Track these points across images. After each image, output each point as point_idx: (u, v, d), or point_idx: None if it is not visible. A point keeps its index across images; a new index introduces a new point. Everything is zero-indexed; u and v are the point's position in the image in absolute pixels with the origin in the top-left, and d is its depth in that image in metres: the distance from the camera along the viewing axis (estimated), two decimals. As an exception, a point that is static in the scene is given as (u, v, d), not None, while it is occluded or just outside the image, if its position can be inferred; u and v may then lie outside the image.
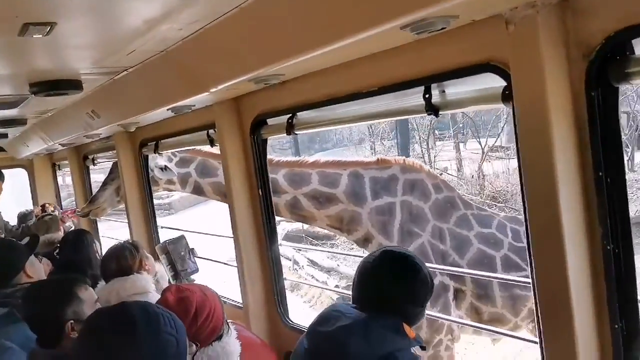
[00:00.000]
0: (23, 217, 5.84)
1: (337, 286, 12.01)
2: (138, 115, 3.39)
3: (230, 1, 1.83)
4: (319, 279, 12.78)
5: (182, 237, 2.90)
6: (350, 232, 5.24)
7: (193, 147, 4.87)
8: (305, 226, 14.58)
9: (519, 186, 1.72)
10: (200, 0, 1.81)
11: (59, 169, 6.88)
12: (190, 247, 2.89)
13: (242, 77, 2.32)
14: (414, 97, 2.15)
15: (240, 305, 3.44)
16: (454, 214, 5.45)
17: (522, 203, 1.75)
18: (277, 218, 4.60)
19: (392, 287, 1.88)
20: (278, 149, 25.84)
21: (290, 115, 2.83)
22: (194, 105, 3.13)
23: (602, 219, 1.56)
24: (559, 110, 1.53)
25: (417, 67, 2.04)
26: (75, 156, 5.85)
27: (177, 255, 2.84)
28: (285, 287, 3.46)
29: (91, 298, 2.23)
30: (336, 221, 5.19)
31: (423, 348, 1.89)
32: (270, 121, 3.08)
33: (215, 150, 4.92)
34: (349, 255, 12.36)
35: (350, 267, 14.01)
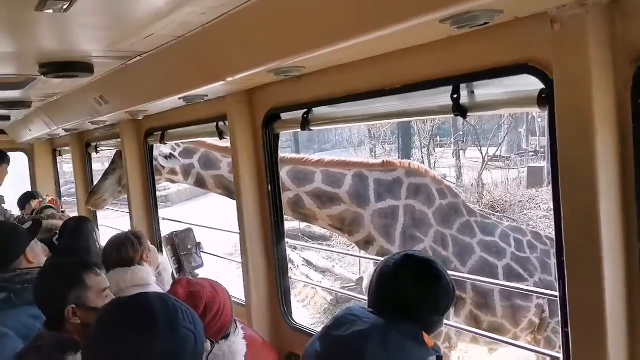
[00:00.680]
0: (20, 220, 5.75)
1: (344, 287, 11.92)
2: (148, 103, 3.30)
3: (258, -14, 1.75)
4: (313, 278, 12.71)
5: (189, 230, 2.82)
6: (352, 233, 5.18)
7: (201, 140, 4.79)
8: (302, 225, 14.50)
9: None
10: (227, -17, 1.73)
11: (60, 155, 6.78)
12: (197, 240, 2.80)
13: (262, 67, 2.24)
14: (440, 96, 2.08)
15: (242, 302, 3.35)
16: (457, 220, 5.41)
17: (554, 212, 1.67)
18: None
19: (413, 293, 1.81)
20: (277, 146, 25.73)
21: (306, 110, 2.75)
22: (206, 95, 3.05)
23: (641, 235, 1.48)
24: (603, 118, 1.46)
25: (445, 65, 1.97)
26: (77, 142, 5.76)
27: (183, 248, 2.76)
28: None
29: (98, 285, 2.15)
30: (337, 221, 5.13)
31: (439, 358, 1.82)
32: (283, 115, 3.01)
33: (224, 142, 4.87)
34: (347, 254, 12.28)
35: (345, 269, 13.96)
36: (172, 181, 5.37)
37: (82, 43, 2.50)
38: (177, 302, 1.53)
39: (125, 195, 5.19)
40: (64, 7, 1.77)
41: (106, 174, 5.25)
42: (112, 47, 2.54)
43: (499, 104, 1.92)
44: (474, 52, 1.85)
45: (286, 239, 3.37)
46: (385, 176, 5.16)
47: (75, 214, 5.67)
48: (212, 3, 1.91)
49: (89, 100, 3.63)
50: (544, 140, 21.27)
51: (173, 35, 2.33)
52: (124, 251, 3.01)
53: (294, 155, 6.09)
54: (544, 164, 20.19)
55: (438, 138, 24.34)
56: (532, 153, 24.08)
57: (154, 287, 2.96)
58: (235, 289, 3.46)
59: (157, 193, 4.83)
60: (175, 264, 2.77)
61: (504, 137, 23.20)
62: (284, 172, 4.91)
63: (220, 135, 3.50)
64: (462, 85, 1.97)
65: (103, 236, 4.34)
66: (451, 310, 5.16)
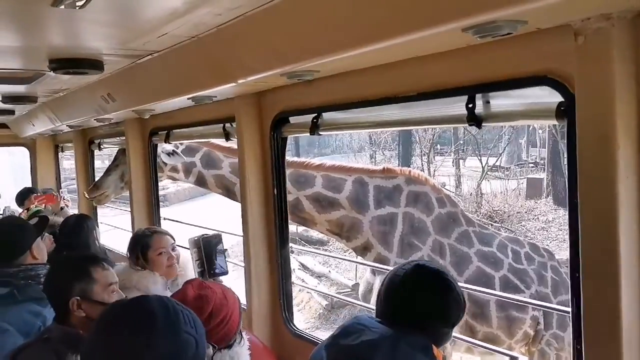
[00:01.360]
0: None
1: (339, 293, 11.89)
2: (156, 102, 3.28)
3: (278, -11, 1.74)
4: (309, 283, 12.68)
5: (218, 236, 2.78)
6: (350, 239, 5.18)
7: (206, 140, 4.78)
8: (300, 229, 14.47)
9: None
10: (247, -15, 1.72)
11: (62, 151, 6.76)
12: (225, 247, 2.76)
13: (276, 70, 2.22)
14: (454, 106, 2.06)
15: (243, 306, 3.32)
16: (456, 230, 5.41)
17: (569, 227, 1.66)
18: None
19: (424, 304, 1.78)
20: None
21: (316, 114, 2.73)
22: (215, 97, 3.03)
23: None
24: (625, 133, 1.44)
25: (461, 74, 1.96)
26: (80, 139, 5.73)
27: (209, 253, 2.71)
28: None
29: (105, 279, 2.15)
30: (336, 227, 5.13)
31: (448, 371, 1.80)
32: (292, 119, 2.99)
33: (231, 144, 4.86)
34: (345, 259, 12.25)
35: (341, 274, 13.92)
36: (174, 179, 5.37)
37: (94, 40, 2.48)
38: (179, 305, 1.51)
39: (124, 194, 5.19)
40: (81, 4, 1.75)
41: (109, 170, 5.24)
42: (124, 46, 2.53)
43: (515, 115, 1.90)
44: (492, 61, 1.83)
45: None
46: (385, 183, 5.17)
47: (76, 211, 5.64)
48: (229, 4, 1.90)
49: (96, 97, 3.62)
50: (545, 152, 21.29)
51: (187, 35, 2.31)
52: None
53: (295, 159, 6.08)
54: (544, 175, 20.22)
55: (438, 146, 24.35)
56: (532, 164, 24.12)
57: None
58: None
59: (156, 193, 4.81)
60: (200, 268, 2.72)
61: (505, 147, 23.24)
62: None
63: (227, 137, 3.48)
64: (478, 95, 1.96)
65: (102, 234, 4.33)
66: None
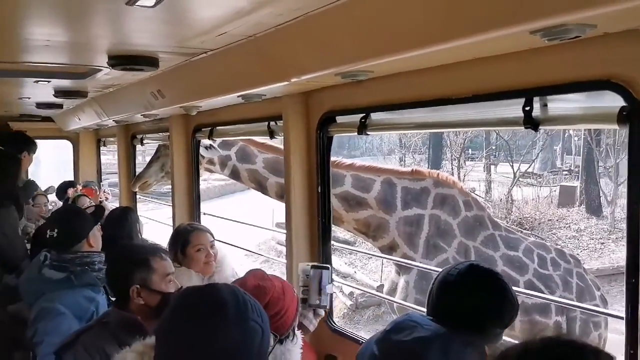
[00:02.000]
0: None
1: (363, 293, 11.86)
2: (205, 99, 3.36)
3: (341, -10, 1.77)
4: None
5: (327, 268, 2.83)
6: (376, 238, 5.30)
7: (249, 137, 4.86)
8: (329, 229, 14.47)
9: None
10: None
11: (105, 145, 6.93)
12: (330, 282, 2.81)
13: (331, 69, 2.26)
14: (509, 108, 2.07)
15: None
16: (482, 233, 5.50)
17: (627, 234, 1.66)
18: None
19: (479, 304, 1.80)
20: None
21: (364, 114, 2.77)
22: (264, 95, 3.09)
23: None
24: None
25: (519, 76, 1.96)
26: (123, 134, 5.86)
27: (315, 283, 2.77)
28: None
29: (163, 269, 2.23)
30: (363, 226, 5.25)
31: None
32: (339, 119, 3.03)
33: (265, 140, 4.95)
34: (373, 255, 12.24)
35: (366, 275, 13.91)
36: (210, 171, 5.55)
37: (153, 38, 2.55)
38: (247, 295, 1.56)
39: (158, 188, 5.40)
40: (153, 3, 1.82)
41: (151, 162, 5.51)
42: (181, 44, 2.59)
43: (573, 119, 1.90)
44: (552, 64, 1.84)
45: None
46: (413, 185, 5.29)
47: (116, 204, 5.79)
48: (292, 5, 1.94)
49: (145, 93, 3.71)
50: (579, 160, 20.89)
51: (244, 34, 2.37)
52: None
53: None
54: (577, 183, 19.87)
55: (470, 151, 24.12)
56: (566, 172, 23.71)
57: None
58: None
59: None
60: (303, 295, 2.78)
61: (538, 154, 22.92)
62: None
63: (272, 135, 3.54)
64: (535, 98, 1.96)
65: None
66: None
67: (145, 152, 11.14)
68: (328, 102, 3.00)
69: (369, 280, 13.28)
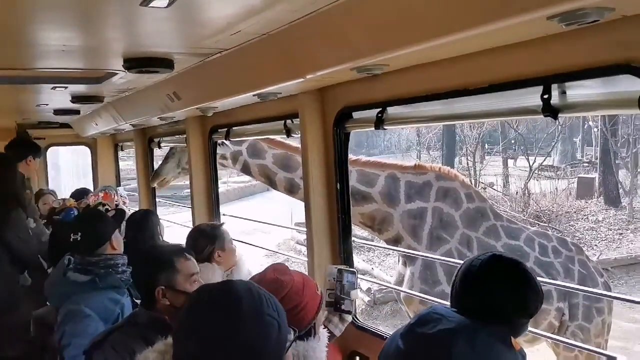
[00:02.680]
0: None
1: (381, 289, 11.86)
2: (221, 100, 3.37)
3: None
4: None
5: (354, 272, 2.88)
6: (381, 231, 5.49)
7: (265, 137, 4.89)
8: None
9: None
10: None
11: (122, 150, 6.99)
12: (356, 286, 2.85)
13: (347, 64, 2.26)
14: (527, 97, 2.05)
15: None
16: (484, 224, 5.63)
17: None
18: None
19: (504, 295, 1.79)
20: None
21: (381, 109, 2.76)
22: (280, 93, 3.09)
23: None
24: None
25: (536, 64, 1.94)
26: (140, 138, 5.91)
27: (343, 288, 2.81)
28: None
29: (188, 270, 2.26)
30: (369, 219, 5.42)
31: (525, 362, 1.79)
32: (355, 114, 3.02)
33: (292, 141, 4.99)
34: (390, 249, 12.25)
35: (384, 272, 13.87)
36: (223, 166, 5.67)
37: (168, 39, 2.57)
38: (262, 290, 1.56)
39: (179, 191, 5.43)
40: (166, 3, 1.83)
41: (167, 158, 5.62)
42: (196, 44, 2.61)
43: (593, 105, 1.88)
44: (569, 50, 1.81)
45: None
46: (416, 179, 5.47)
47: (135, 209, 5.84)
48: (305, 1, 1.94)
49: (161, 96, 3.74)
50: (600, 152, 20.63)
51: (259, 32, 2.37)
52: (197, 245, 3.07)
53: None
54: (595, 175, 19.62)
55: (487, 145, 23.93)
56: (586, 164, 23.42)
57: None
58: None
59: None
60: (330, 299, 2.81)
61: (553, 146, 22.68)
62: None
63: (288, 133, 3.54)
64: (553, 86, 1.94)
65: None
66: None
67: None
68: (344, 98, 3.00)
69: (386, 277, 13.24)
